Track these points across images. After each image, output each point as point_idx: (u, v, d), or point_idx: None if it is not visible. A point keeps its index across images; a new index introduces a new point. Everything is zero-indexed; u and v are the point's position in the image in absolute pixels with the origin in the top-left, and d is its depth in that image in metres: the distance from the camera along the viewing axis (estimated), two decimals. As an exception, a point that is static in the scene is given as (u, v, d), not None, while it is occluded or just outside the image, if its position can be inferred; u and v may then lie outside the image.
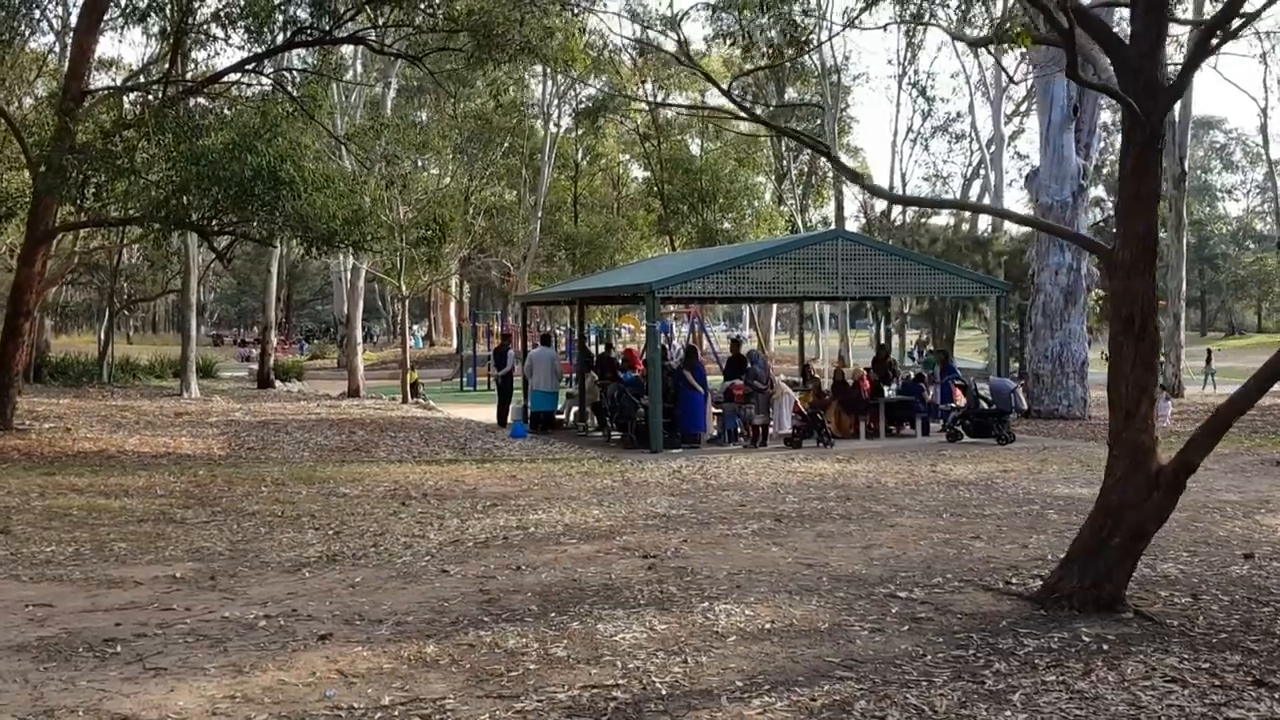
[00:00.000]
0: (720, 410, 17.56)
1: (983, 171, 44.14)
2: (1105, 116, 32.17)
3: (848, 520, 9.91)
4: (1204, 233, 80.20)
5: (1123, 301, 6.35)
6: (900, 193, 43.82)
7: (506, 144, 46.23)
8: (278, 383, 31.57)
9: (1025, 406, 18.68)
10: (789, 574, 7.62)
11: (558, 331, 39.11)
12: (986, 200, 44.75)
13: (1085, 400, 22.16)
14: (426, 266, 23.21)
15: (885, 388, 18.74)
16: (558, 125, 46.02)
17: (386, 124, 16.66)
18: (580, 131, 49.46)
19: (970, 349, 45.55)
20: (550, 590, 7.13)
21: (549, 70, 34.30)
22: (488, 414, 21.88)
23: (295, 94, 14.52)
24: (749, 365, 17.29)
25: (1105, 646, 5.67)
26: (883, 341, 22.01)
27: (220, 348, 61.25)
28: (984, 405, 18.05)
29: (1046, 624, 6.13)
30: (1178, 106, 30.31)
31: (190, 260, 24.36)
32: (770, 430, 17.14)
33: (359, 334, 27.64)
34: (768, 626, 6.21)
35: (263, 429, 18.46)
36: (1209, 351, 36.29)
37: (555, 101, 45.99)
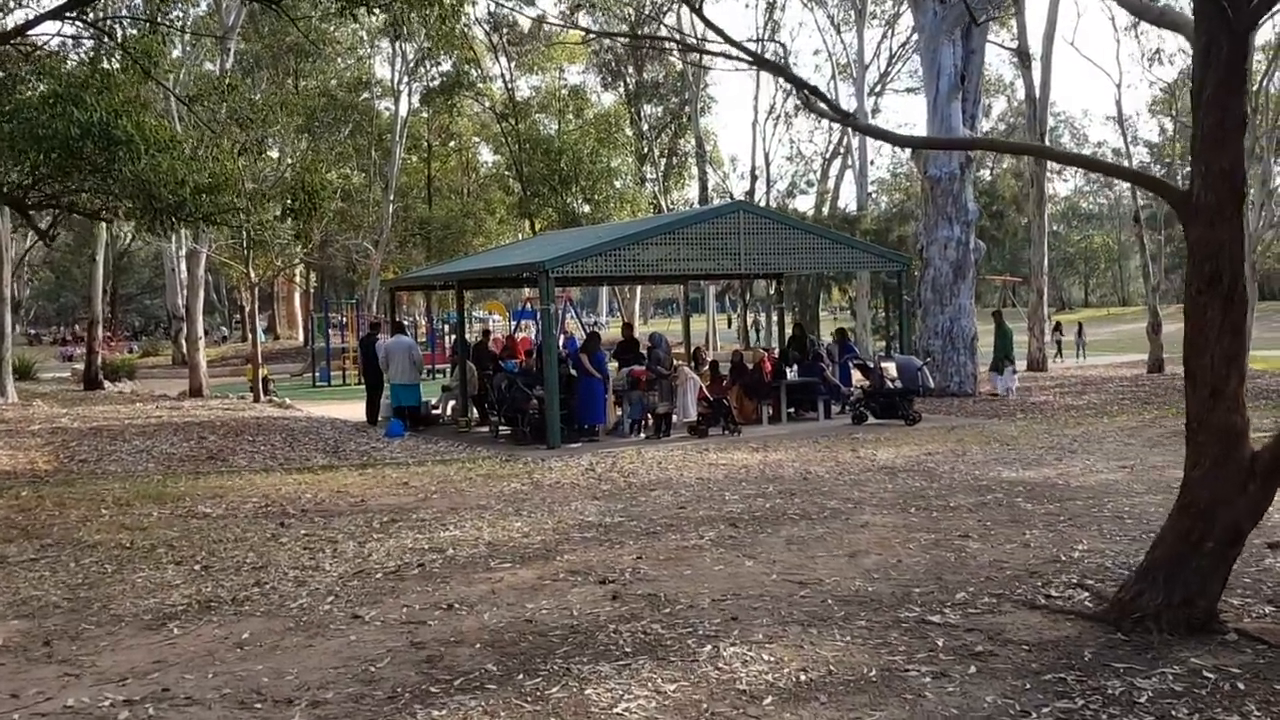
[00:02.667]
0: (616, 399, 16.18)
1: (843, 150, 43.96)
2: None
3: (810, 521, 8.67)
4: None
5: (1204, 254, 5.23)
6: (767, 174, 43.19)
7: (353, 123, 43.62)
8: (107, 383, 28.57)
9: (932, 385, 17.94)
10: (784, 597, 6.30)
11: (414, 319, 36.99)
12: (849, 177, 44.64)
13: (975, 376, 21.72)
14: (284, 248, 20.88)
15: (787, 369, 17.70)
16: (410, 102, 43.63)
17: (234, 84, 14.48)
18: (432, 111, 47.14)
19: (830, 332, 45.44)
20: (503, 638, 5.61)
21: (410, 35, 31.97)
22: (351, 411, 19.92)
23: (130, 49, 12.30)
24: (652, 349, 15.94)
25: (1240, 685, 4.53)
26: (799, 322, 20.91)
27: (39, 347, 56.29)
28: (890, 385, 17.24)
29: (1143, 655, 4.98)
30: (1038, 79, 30.33)
31: (2, 247, 21.40)
32: (674, 418, 15.87)
33: (200, 327, 25.00)
34: (803, 678, 4.86)
35: (95, 437, 16.08)
36: (1079, 325, 37.23)
37: (405, 79, 43.61)
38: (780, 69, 6.36)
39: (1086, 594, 6.06)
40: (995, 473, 11.26)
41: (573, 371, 15.42)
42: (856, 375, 19.35)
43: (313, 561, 7.61)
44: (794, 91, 47.61)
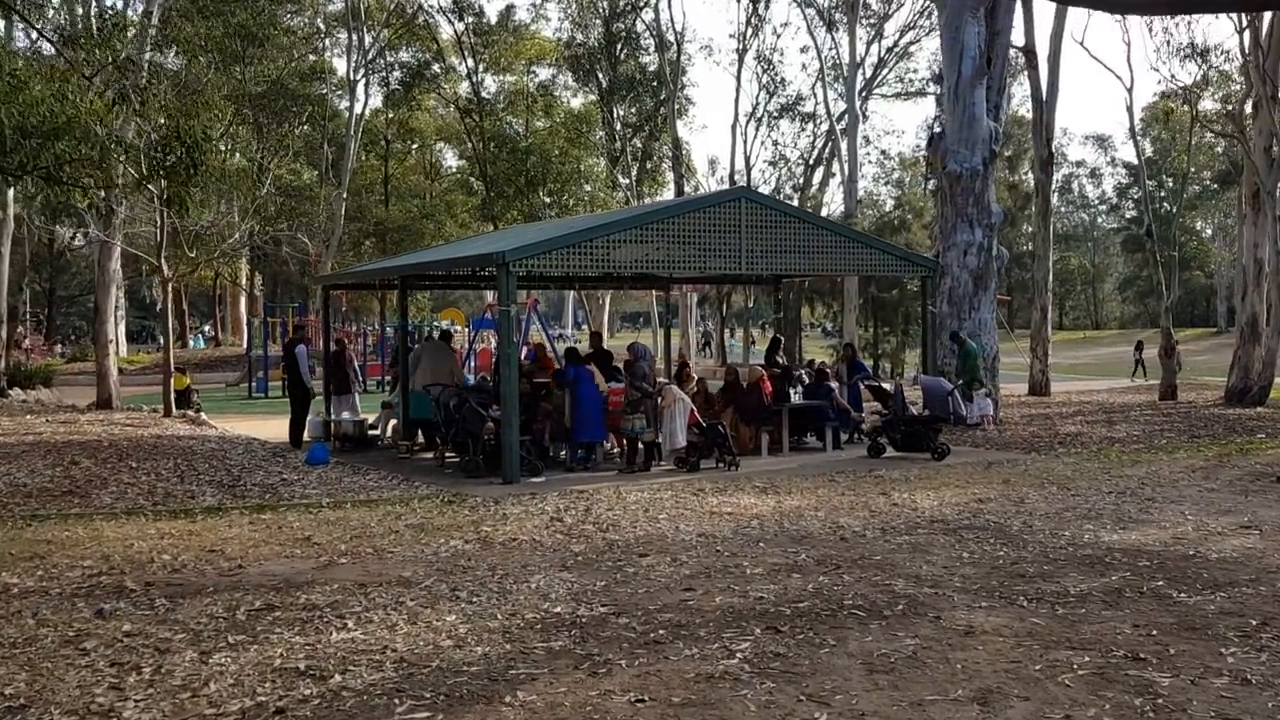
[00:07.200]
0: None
1: (828, 152, 41.51)
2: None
3: (886, 622, 5.87)
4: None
5: None
6: (748, 179, 40.50)
7: (306, 114, 40.53)
8: (15, 390, 25.25)
9: (964, 412, 15.22)
10: (911, 813, 3.49)
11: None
12: (835, 184, 42.15)
13: (998, 401, 19.03)
14: (196, 238, 17.77)
15: (791, 390, 14.95)
16: (366, 95, 40.60)
17: (120, 23, 11.45)
18: (392, 114, 44.23)
19: (812, 348, 43.17)
20: None
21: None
22: (278, 429, 16.86)
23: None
24: (632, 362, 13.11)
25: None
26: (779, 335, 18.02)
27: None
28: (913, 412, 14.54)
29: None
30: (1045, 79, 27.85)
31: None
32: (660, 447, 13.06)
33: (110, 329, 21.75)
34: None
35: (-54, 459, 13.00)
36: (1139, 342, 35.61)
37: (363, 71, 40.63)
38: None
39: None
40: (1088, 533, 8.57)
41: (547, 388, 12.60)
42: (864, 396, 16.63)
43: (108, 699, 4.68)
44: (775, 91, 45.05)
